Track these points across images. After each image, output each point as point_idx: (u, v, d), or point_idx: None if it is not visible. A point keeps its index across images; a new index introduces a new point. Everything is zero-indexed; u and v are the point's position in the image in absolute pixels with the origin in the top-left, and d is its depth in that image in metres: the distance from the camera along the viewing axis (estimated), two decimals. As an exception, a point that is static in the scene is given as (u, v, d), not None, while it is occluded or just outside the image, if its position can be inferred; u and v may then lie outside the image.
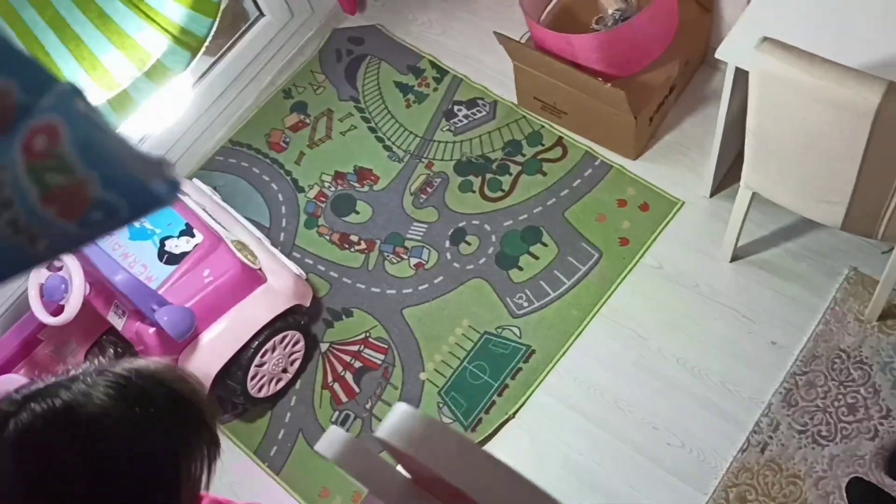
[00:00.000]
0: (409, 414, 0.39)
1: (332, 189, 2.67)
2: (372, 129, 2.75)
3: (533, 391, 2.29)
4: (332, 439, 0.39)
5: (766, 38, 1.53)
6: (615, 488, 2.15)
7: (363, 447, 0.40)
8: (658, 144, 2.58)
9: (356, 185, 2.66)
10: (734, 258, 2.37)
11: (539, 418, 2.27)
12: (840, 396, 2.15)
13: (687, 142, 2.57)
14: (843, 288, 2.28)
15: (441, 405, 2.30)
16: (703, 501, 2.09)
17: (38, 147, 0.25)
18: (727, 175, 2.43)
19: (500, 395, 2.29)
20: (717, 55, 1.82)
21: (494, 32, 2.39)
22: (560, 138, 2.62)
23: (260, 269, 2.18)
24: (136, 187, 0.26)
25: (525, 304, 2.40)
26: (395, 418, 0.38)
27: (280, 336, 2.21)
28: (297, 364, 2.34)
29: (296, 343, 2.29)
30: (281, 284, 2.19)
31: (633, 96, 2.31)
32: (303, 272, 2.38)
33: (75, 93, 0.27)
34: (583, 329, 2.35)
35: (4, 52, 0.27)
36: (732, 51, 1.79)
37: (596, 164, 2.57)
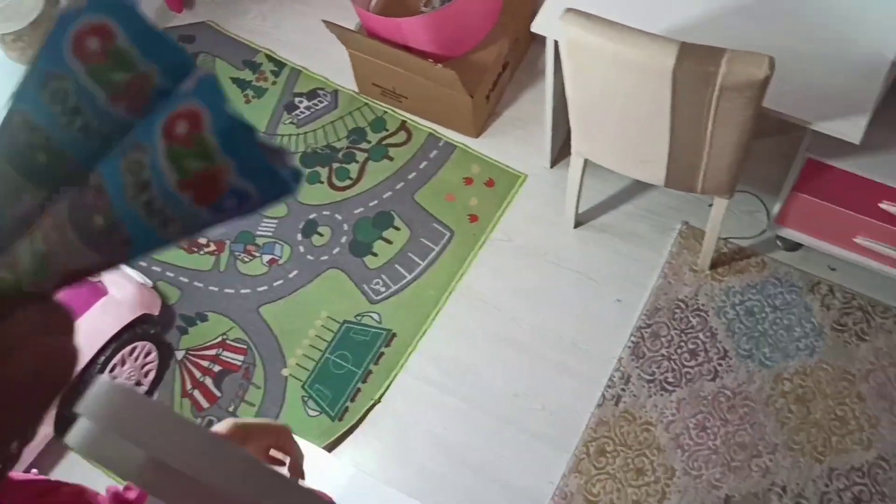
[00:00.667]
0: (105, 386, 0.39)
1: (175, 192, 2.59)
2: (212, 128, 2.69)
3: (396, 374, 2.31)
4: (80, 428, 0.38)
5: (568, 9, 1.59)
6: (484, 460, 2.21)
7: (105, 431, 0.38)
8: (498, 121, 2.65)
9: None
10: (577, 224, 2.47)
11: (405, 400, 2.29)
12: (682, 344, 2.29)
13: (525, 116, 2.65)
14: (677, 242, 2.41)
15: (306, 399, 2.29)
16: (567, 459, 2.18)
17: (179, 132, 0.26)
18: (564, 145, 2.52)
19: (364, 381, 2.30)
20: (533, 29, 1.88)
21: (324, 21, 2.38)
22: (403, 122, 2.64)
23: (100, 281, 2.09)
24: (268, 176, 0.26)
25: (382, 290, 2.42)
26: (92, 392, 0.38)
27: (129, 348, 2.14)
28: (151, 375, 2.27)
29: (147, 354, 2.22)
30: (124, 295, 2.12)
31: (467, 76, 2.36)
32: (148, 280, 2.31)
33: (215, 80, 0.27)
34: (440, 308, 2.39)
35: (149, 36, 0.27)
36: (546, 24, 1.86)
37: (440, 145, 2.61)
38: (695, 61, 1.50)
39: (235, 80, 2.76)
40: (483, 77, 2.44)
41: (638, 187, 2.50)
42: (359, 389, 2.29)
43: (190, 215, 0.27)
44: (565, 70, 1.74)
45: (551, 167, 2.56)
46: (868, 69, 1.80)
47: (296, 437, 0.90)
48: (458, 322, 2.38)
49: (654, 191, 2.49)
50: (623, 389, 2.25)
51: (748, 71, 1.49)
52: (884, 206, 1.98)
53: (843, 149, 1.90)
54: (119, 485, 0.77)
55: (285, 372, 2.33)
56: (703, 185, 1.98)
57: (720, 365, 2.25)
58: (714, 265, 2.37)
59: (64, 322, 0.28)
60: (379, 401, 2.29)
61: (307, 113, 2.69)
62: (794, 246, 2.38)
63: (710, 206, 2.40)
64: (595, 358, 2.29)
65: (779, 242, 2.39)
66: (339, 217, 2.52)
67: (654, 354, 2.28)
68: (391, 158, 2.60)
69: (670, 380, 2.25)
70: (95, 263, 0.28)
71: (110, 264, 0.29)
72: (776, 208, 2.24)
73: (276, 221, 2.53)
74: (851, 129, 1.75)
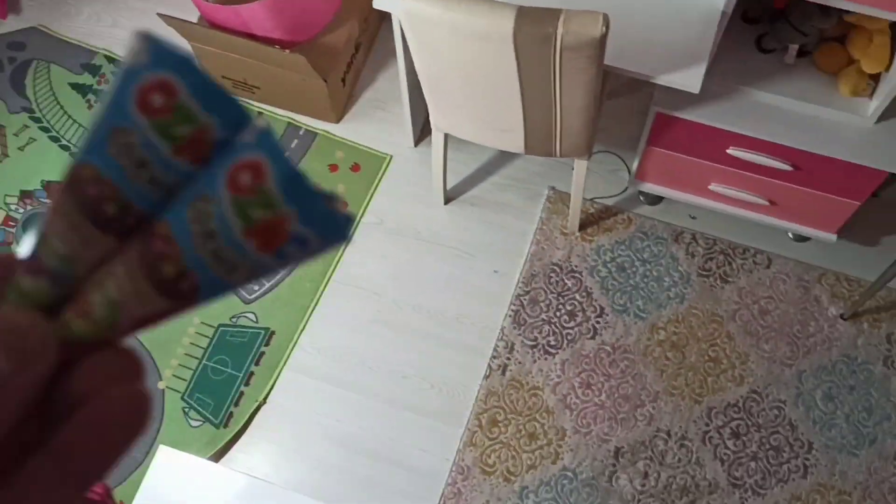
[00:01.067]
0: None
1: (21, 211, 2.43)
2: (54, 139, 2.53)
3: (279, 372, 2.25)
4: None
5: (403, -18, 1.57)
6: (380, 445, 2.18)
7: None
8: (358, 104, 2.61)
9: (48, 200, 2.44)
10: (447, 200, 2.47)
11: (291, 397, 2.24)
12: (560, 306, 2.33)
13: (384, 96, 2.61)
14: (546, 208, 2.45)
15: (187, 409, 2.20)
16: (460, 433, 2.18)
17: (243, 182, 0.27)
18: (426, 123, 2.51)
19: (246, 384, 2.23)
20: (375, 5, 1.85)
21: (159, 15, 2.27)
22: (259, 114, 2.56)
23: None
24: (327, 223, 0.28)
25: (256, 288, 2.35)
26: None
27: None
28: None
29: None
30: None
31: (319, 60, 2.30)
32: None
33: (273, 132, 0.28)
34: (318, 299, 2.34)
35: (208, 89, 0.29)
36: (384, 0, 1.83)
37: (301, 133, 2.55)
38: (532, 24, 1.51)
39: (75, 86, 2.60)
40: (335, 60, 2.39)
41: (502, 157, 2.51)
42: (242, 393, 2.22)
43: (255, 261, 0.28)
44: (410, 44, 1.72)
45: (415, 146, 2.54)
46: (702, 20, 1.86)
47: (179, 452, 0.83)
48: (338, 311, 2.33)
49: (518, 159, 2.51)
50: (508, 358, 2.27)
51: (584, 30, 1.51)
52: (731, 151, 2.06)
53: (687, 100, 1.97)
54: None
55: (161, 385, 2.22)
56: (561, 149, 2.00)
57: (598, 322, 2.30)
58: (583, 226, 2.42)
59: (136, 368, 0.29)
60: (265, 401, 2.22)
61: (157, 113, 2.56)
62: (655, 199, 2.46)
63: (573, 169, 2.45)
64: (478, 330, 2.30)
65: (641, 197, 2.46)
66: (203, 218, 2.42)
67: (534, 320, 2.31)
68: (252, 152, 2.51)
69: (552, 343, 2.28)
70: (165, 310, 0.29)
71: (179, 310, 0.30)
72: (635, 165, 2.30)
73: (135, 230, 2.40)
74: (690, 79, 1.81)
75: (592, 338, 2.29)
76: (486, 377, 2.24)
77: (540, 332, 2.30)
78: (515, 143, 2.02)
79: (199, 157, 0.29)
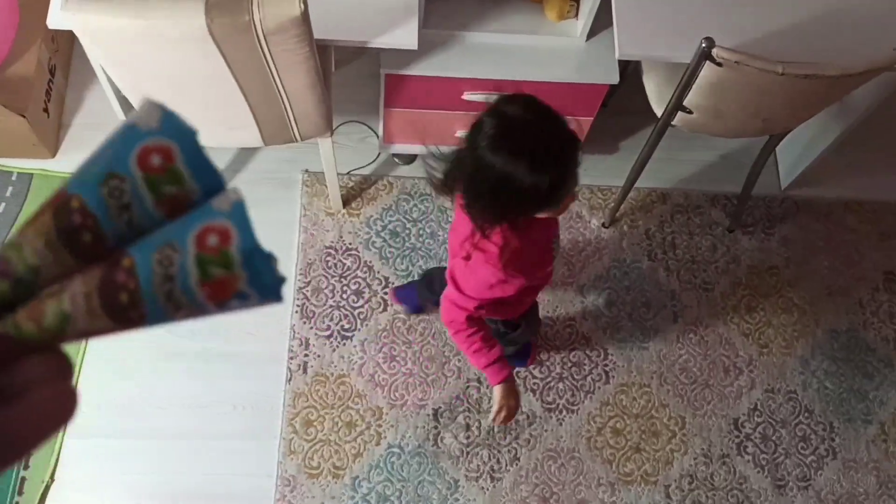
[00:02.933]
0: None
1: None
2: None
3: (60, 444, 2.03)
4: None
5: (70, -4, 1.40)
6: (196, 485, 2.04)
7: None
8: (71, 132, 2.36)
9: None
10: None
11: (82, 466, 2.03)
12: (345, 288, 2.27)
13: (98, 118, 2.37)
14: (304, 193, 2.36)
15: (-37, 518, 1.93)
16: (277, 445, 2.09)
17: (209, 243, 0.31)
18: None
19: (26, 468, 1.99)
20: (49, 25, 1.64)
21: None
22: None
23: None
24: (268, 287, 0.32)
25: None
26: None
27: None
28: None
29: None
30: None
31: (10, 95, 2.04)
32: None
33: (244, 204, 0.32)
34: (83, 353, 2.12)
35: (201, 162, 0.32)
36: (59, 16, 1.63)
37: (13, 179, 2.26)
38: (225, 15, 1.40)
39: None
40: (29, 90, 2.13)
41: (245, 153, 2.39)
42: (23, 479, 1.98)
43: (199, 307, 0.32)
44: (102, 63, 1.55)
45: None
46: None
47: None
48: (110, 359, 2.13)
49: (261, 151, 2.40)
50: (306, 355, 2.19)
51: (282, 10, 1.43)
52: (466, 96, 2.08)
53: (410, 56, 1.95)
54: None
55: (-76, 500, 1.93)
56: (301, 132, 1.92)
57: (385, 294, 2.28)
58: (347, 202, 2.36)
59: (68, 370, 0.32)
60: (52, 480, 2.00)
61: None
62: (410, 158, 2.45)
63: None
64: (267, 337, 2.20)
65: (396, 159, 2.45)
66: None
67: (322, 309, 2.24)
68: (-38, 213, 2.21)
69: (346, 326, 2.23)
70: (107, 329, 0.32)
71: (119, 332, 0.33)
72: (380, 129, 2.27)
73: None
74: (406, 37, 1.79)
75: (384, 310, 2.26)
76: (289, 381, 2.15)
77: (331, 320, 2.23)
78: (253, 137, 1.91)
79: (175, 212, 0.32)
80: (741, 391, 2.28)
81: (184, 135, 0.33)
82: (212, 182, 0.33)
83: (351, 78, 2.52)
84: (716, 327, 2.34)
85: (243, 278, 0.31)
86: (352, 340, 2.21)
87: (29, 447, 0.32)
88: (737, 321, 2.36)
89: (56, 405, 0.32)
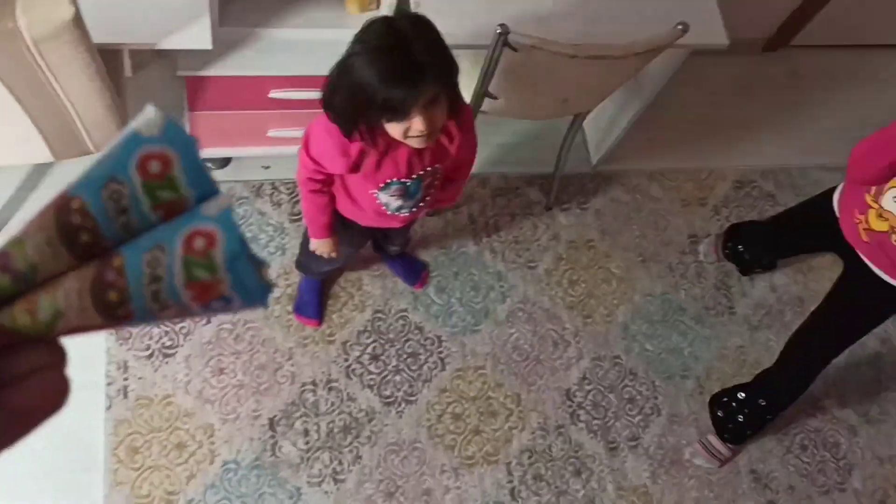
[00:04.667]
0: None
1: None
2: None
3: None
4: None
5: None
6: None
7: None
8: None
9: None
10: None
11: None
12: (163, 303, 2.16)
13: None
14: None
15: None
16: (101, 478, 1.96)
17: (196, 246, 0.32)
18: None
19: None
20: None
21: None
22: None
23: None
24: (252, 291, 0.33)
25: None
26: None
27: None
28: None
29: None
30: None
31: None
32: None
33: (233, 210, 0.33)
34: None
35: (197, 170, 0.33)
36: None
37: None
38: (-18, 23, 1.27)
39: None
40: None
41: (40, 170, 2.21)
42: None
43: (184, 307, 0.33)
44: None
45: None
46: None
47: None
48: None
49: (57, 166, 2.23)
50: (126, 379, 2.06)
51: (50, 16, 1.32)
52: (273, 94, 2.02)
53: (207, 57, 1.87)
54: None
55: None
56: (95, 143, 1.80)
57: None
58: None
59: (62, 360, 0.34)
60: None
61: None
62: (224, 162, 2.36)
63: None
64: (80, 363, 2.04)
65: (209, 163, 2.34)
66: None
67: (139, 328, 2.12)
68: None
69: (168, 344, 2.12)
70: (97, 326, 0.34)
71: (107, 328, 0.35)
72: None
73: None
74: (199, 36, 1.71)
75: (208, 322, 2.17)
76: (109, 408, 2.02)
77: (151, 338, 2.12)
78: (39, 152, 1.76)
79: (170, 216, 0.33)
80: (570, 362, 2.37)
81: (183, 143, 0.34)
82: (206, 189, 0.34)
83: (152, 81, 2.38)
84: (542, 303, 2.42)
85: (226, 282, 0.32)
86: (175, 358, 2.11)
87: (28, 429, 0.34)
88: (561, 295, 2.45)
89: (53, 391, 0.34)
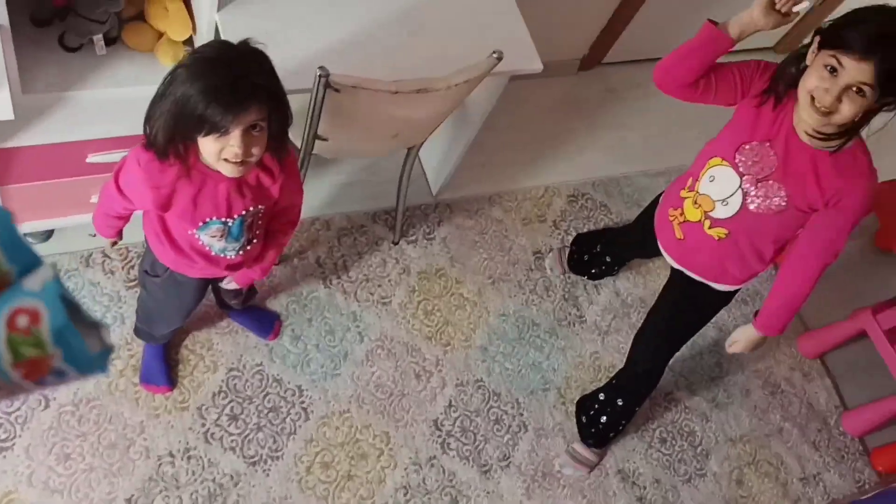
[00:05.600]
0: None
1: None
2: None
3: None
4: None
5: None
6: None
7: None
8: None
9: None
10: None
11: None
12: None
13: None
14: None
15: None
16: None
17: (20, 325, 0.31)
18: None
19: None
20: None
21: None
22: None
23: None
24: (86, 360, 0.32)
25: None
26: None
27: None
28: None
29: None
30: None
31: None
32: None
33: (57, 281, 0.31)
34: None
35: (15, 243, 0.32)
36: None
37: None
38: None
39: None
40: None
41: None
42: None
43: (17, 386, 0.33)
44: None
45: None
46: None
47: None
48: None
49: None
50: (-43, 482, 1.88)
51: None
52: (91, 159, 1.93)
53: (10, 127, 1.75)
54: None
55: None
56: None
57: (46, 391, 2.03)
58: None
59: None
60: None
61: None
62: (46, 235, 2.22)
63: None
64: None
65: (31, 240, 2.19)
66: None
67: (-32, 425, 1.94)
68: None
69: (2, 437, 1.96)
70: None
71: None
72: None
73: None
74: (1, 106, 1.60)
75: (46, 407, 2.02)
76: (-60, 518, 1.83)
77: (-18, 434, 1.94)
78: None
79: None
80: (435, 392, 2.38)
81: None
82: (28, 263, 0.33)
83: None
84: (400, 337, 2.42)
85: (57, 355, 0.33)
86: (13, 450, 1.95)
87: None
88: (418, 327, 2.46)
89: None
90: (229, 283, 1.83)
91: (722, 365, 2.75)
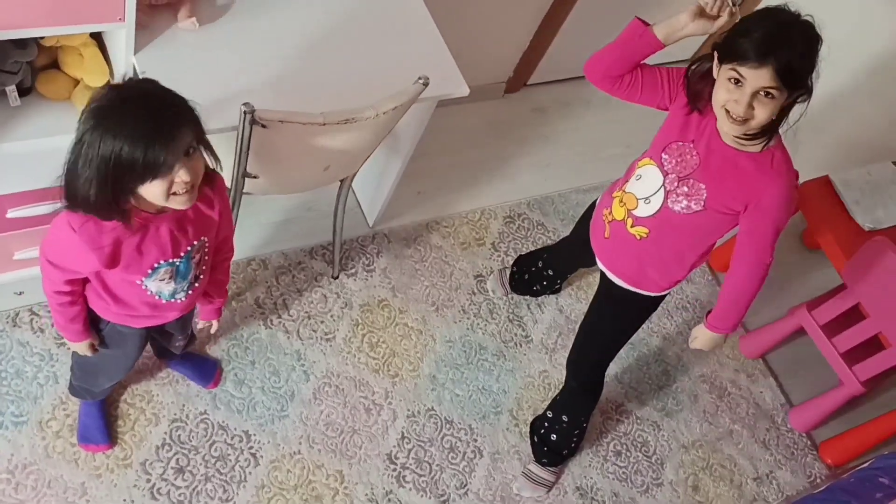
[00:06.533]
0: None
1: None
2: None
3: None
4: None
5: None
6: None
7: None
8: None
9: None
10: None
11: None
12: (-82, 469, 1.88)
13: None
14: None
15: None
16: None
17: None
18: None
19: None
20: None
21: None
22: None
23: None
24: None
25: None
26: None
27: None
28: None
29: None
30: None
31: None
32: None
33: None
34: None
35: None
36: None
37: None
38: None
39: None
40: None
41: None
42: None
43: None
44: None
45: None
46: None
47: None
48: None
49: None
50: None
51: None
52: (11, 214, 1.86)
53: (-78, 185, 1.68)
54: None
55: None
56: None
57: (-26, 457, 1.93)
58: None
59: None
60: None
61: None
62: (-34, 295, 2.12)
63: None
64: None
65: (-51, 301, 2.09)
66: None
67: None
68: None
69: (-69, 513, 1.85)
70: None
71: None
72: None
73: None
74: None
75: (-22, 477, 1.91)
76: None
77: None
78: None
79: None
80: (386, 425, 2.34)
81: None
82: None
83: None
84: (347, 372, 2.38)
85: None
86: (-56, 527, 1.84)
87: None
88: (364, 360, 2.42)
89: None
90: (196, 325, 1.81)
91: (669, 373, 2.78)
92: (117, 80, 1.83)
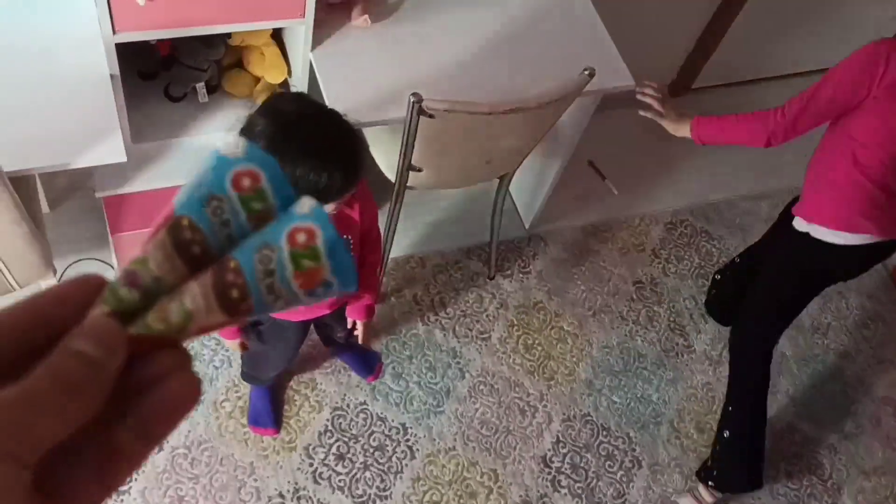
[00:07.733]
0: None
1: None
2: None
3: None
4: None
5: None
6: None
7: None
8: None
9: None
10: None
11: None
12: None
13: None
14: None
15: None
16: None
17: (299, 241, 0.37)
18: None
19: None
20: None
21: None
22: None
23: None
24: (349, 273, 0.37)
25: None
26: None
27: None
28: None
29: None
30: None
31: None
32: None
33: (322, 209, 0.37)
34: None
35: (279, 180, 0.39)
36: None
37: None
38: None
39: None
40: None
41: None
42: None
43: (293, 296, 0.37)
44: None
45: None
46: (95, 91, 1.72)
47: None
48: None
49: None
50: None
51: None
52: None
53: (124, 174, 1.83)
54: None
55: None
56: (18, 279, 1.72)
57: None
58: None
59: (189, 361, 0.37)
60: None
61: None
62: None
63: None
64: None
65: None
66: None
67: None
68: None
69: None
70: (222, 323, 0.37)
71: (230, 324, 0.38)
72: (114, 260, 2.10)
73: None
74: (113, 151, 1.67)
75: (160, 450, 2.05)
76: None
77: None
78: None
79: (262, 224, 0.38)
80: (541, 428, 2.30)
81: (264, 161, 0.39)
82: (288, 197, 0.39)
83: (72, 216, 2.33)
84: (502, 373, 2.37)
85: (328, 267, 0.37)
86: (130, 494, 1.97)
87: (167, 430, 0.36)
88: (519, 361, 2.41)
89: (186, 391, 0.36)
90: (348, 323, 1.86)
91: (847, 393, 2.57)
92: (296, 76, 1.93)
